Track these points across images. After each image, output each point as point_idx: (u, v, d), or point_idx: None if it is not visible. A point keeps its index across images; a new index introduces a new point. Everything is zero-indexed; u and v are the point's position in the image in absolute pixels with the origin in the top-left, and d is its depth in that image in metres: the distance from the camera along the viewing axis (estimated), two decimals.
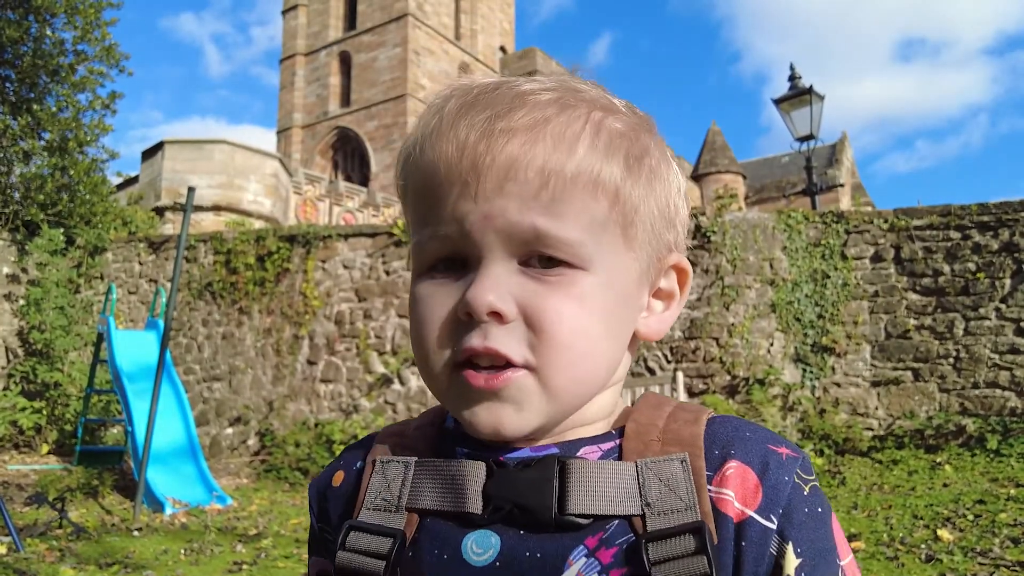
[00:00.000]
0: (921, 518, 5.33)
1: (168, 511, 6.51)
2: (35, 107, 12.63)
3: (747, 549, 0.59)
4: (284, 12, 40.15)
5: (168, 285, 10.78)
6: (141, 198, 15.97)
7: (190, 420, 7.84)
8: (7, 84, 13.19)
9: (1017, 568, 4.18)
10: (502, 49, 41.86)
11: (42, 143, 12.82)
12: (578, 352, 0.60)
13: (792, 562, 0.59)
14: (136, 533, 5.66)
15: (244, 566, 4.60)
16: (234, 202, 16.80)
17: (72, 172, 12.44)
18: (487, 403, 0.60)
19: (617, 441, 0.64)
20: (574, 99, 0.63)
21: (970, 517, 5.25)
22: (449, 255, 0.63)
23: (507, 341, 0.59)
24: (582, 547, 0.59)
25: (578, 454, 0.63)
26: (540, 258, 0.60)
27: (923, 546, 4.65)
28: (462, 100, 0.63)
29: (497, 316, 0.59)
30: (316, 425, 9.43)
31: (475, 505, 0.61)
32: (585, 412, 0.65)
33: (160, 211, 16.24)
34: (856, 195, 38.01)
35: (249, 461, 9.73)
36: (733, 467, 0.61)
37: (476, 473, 0.62)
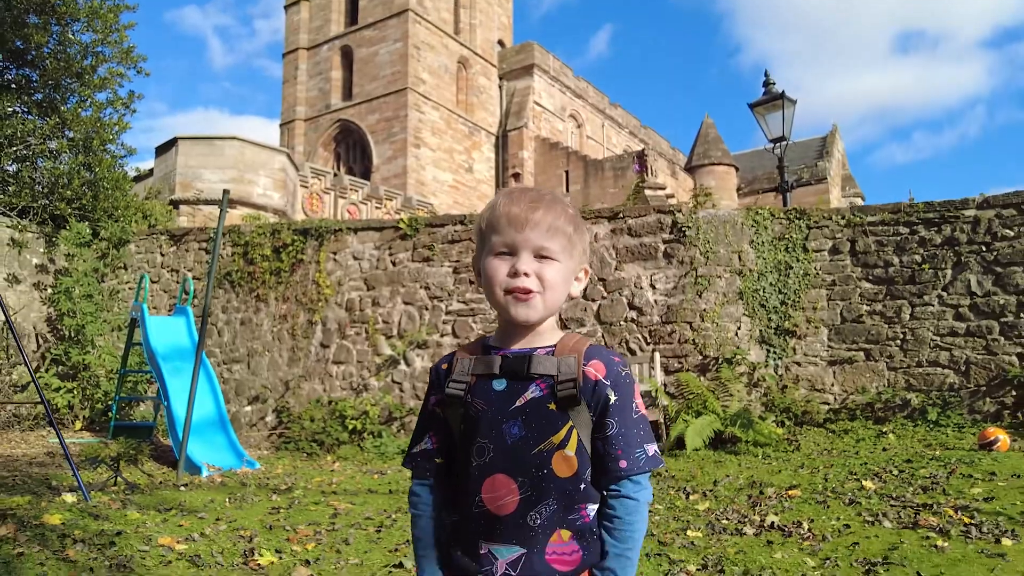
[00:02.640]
0: (855, 474, 6.24)
1: (205, 474, 7.42)
2: (62, 108, 13.49)
3: (596, 391, 1.46)
4: (287, 7, 40.86)
5: (190, 275, 11.67)
6: (159, 192, 16.83)
7: (219, 395, 8.75)
8: (33, 84, 14.04)
9: (921, 508, 5.08)
10: (500, 43, 42.59)
11: (67, 140, 13.67)
12: (555, 291, 1.45)
13: (612, 398, 1.48)
14: (183, 488, 6.56)
15: (281, 509, 5.51)
16: (245, 196, 17.66)
17: (97, 169, 13.31)
18: (523, 306, 1.44)
19: (553, 347, 1.48)
20: (559, 200, 1.52)
21: (895, 472, 6.16)
22: (504, 251, 1.46)
23: (531, 284, 1.44)
24: (534, 385, 1.43)
25: (537, 352, 1.48)
26: (542, 255, 1.46)
27: (849, 493, 5.56)
28: (518, 191, 1.51)
29: (526, 275, 1.44)
30: (330, 402, 10.34)
31: (496, 370, 1.45)
32: (545, 325, 1.50)
33: (175, 204, 17.12)
34: (846, 187, 38.89)
35: (268, 436, 10.65)
36: (594, 361, 1.48)
37: (497, 360, 1.46)
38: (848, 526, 4.80)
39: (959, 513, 4.86)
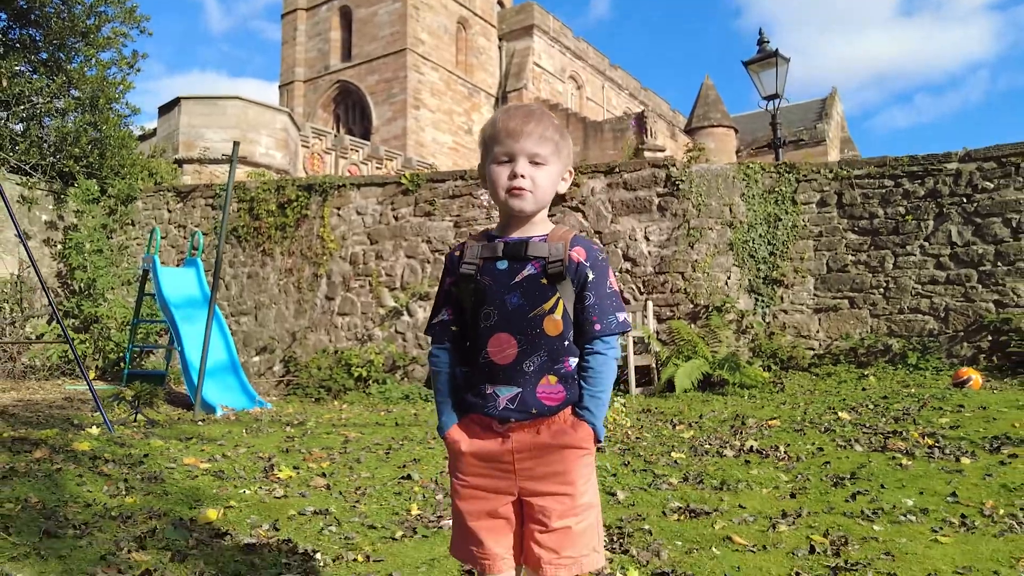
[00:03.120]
0: (833, 408, 6.63)
1: (219, 413, 7.82)
2: (67, 67, 13.70)
3: (579, 271, 1.81)
4: None
5: (197, 230, 11.99)
6: (164, 151, 17.08)
7: (230, 341, 9.13)
8: (37, 44, 14.22)
9: (891, 435, 5.47)
10: (500, 3, 42.40)
11: (73, 99, 13.90)
12: (545, 189, 1.81)
13: (591, 276, 1.83)
14: (200, 423, 6.96)
15: (295, 438, 5.90)
16: (248, 155, 17.91)
17: (103, 128, 13.56)
18: (519, 200, 1.79)
19: (545, 236, 1.84)
20: (547, 115, 1.88)
21: (871, 406, 6.55)
22: (504, 159, 1.80)
23: (525, 184, 1.78)
24: (530, 264, 1.79)
25: (533, 237, 1.83)
26: (535, 161, 1.80)
27: (825, 424, 5.95)
28: (514, 107, 1.87)
29: (522, 177, 1.79)
30: (335, 352, 10.73)
31: (499, 253, 1.80)
32: (538, 217, 1.85)
33: (179, 163, 17.39)
34: (845, 149, 39.02)
35: (276, 384, 11.06)
36: (578, 247, 1.83)
37: (500, 245, 1.82)
38: (822, 449, 5.19)
39: (926, 439, 5.25)
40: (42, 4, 13.79)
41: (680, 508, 3.83)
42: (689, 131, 37.37)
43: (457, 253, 1.87)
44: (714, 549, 3.24)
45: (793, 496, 4.16)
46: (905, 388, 7.59)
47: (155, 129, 19.05)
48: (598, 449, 2.07)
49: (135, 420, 7.21)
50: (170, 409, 8.73)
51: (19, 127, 13.92)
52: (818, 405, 6.87)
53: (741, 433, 5.81)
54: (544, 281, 1.74)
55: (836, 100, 39.42)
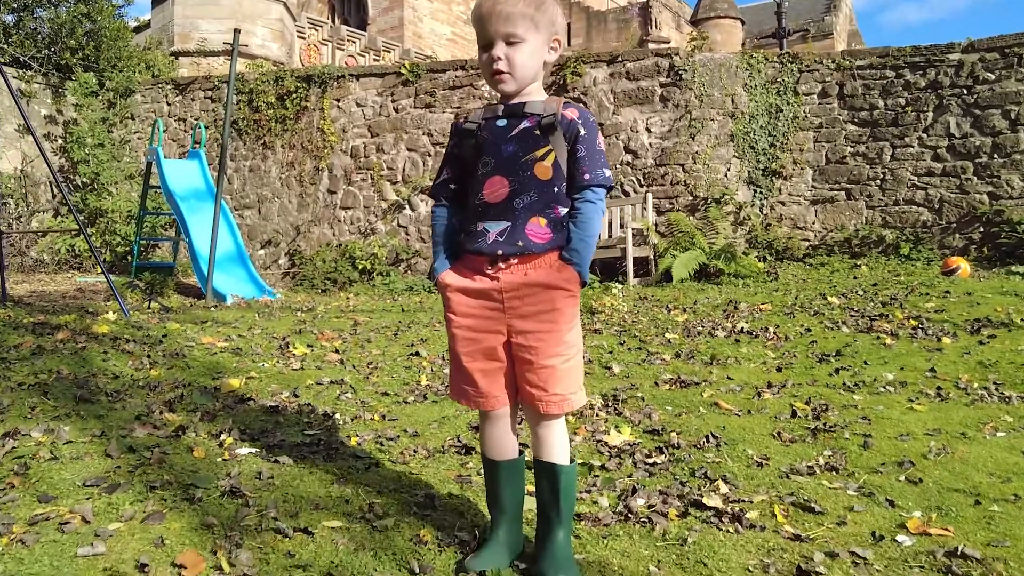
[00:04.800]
0: (824, 295, 6.86)
1: (230, 301, 8.06)
2: None
3: (571, 126, 1.96)
4: None
5: (198, 122, 11.97)
6: (159, 44, 16.79)
7: (236, 233, 9.31)
8: None
9: (877, 318, 5.71)
10: None
11: None
12: (526, 67, 1.93)
13: (582, 132, 1.96)
14: (212, 309, 7.21)
15: (307, 321, 6.15)
16: (244, 46, 17.60)
17: (99, 19, 13.33)
18: (501, 84, 1.93)
19: (542, 101, 1.98)
20: None
21: (860, 293, 6.78)
22: (485, 44, 1.95)
23: (503, 67, 1.92)
24: (526, 120, 1.94)
25: (530, 100, 1.97)
26: (510, 41, 1.92)
27: (815, 308, 6.19)
28: None
29: (499, 59, 1.93)
30: (339, 245, 10.92)
31: (500, 113, 1.96)
32: (531, 88, 1.98)
33: (175, 55, 17.13)
34: (852, 42, 38.11)
35: (282, 276, 11.30)
36: (571, 108, 1.97)
37: (501, 107, 1.96)
38: (809, 330, 5.43)
39: (910, 321, 5.49)
40: None
41: (671, 379, 4.09)
42: (695, 22, 36.43)
43: (461, 119, 2.03)
44: (702, 411, 3.50)
45: (779, 370, 4.42)
46: (895, 277, 7.81)
47: (149, 21, 18.65)
48: (586, 298, 2.26)
49: (149, 307, 7.45)
50: (182, 298, 8.99)
51: (10, 18, 13.69)
52: (810, 292, 7.09)
53: (733, 316, 6.06)
54: (538, 132, 1.88)
55: None
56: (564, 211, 1.92)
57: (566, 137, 1.91)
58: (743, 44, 36.02)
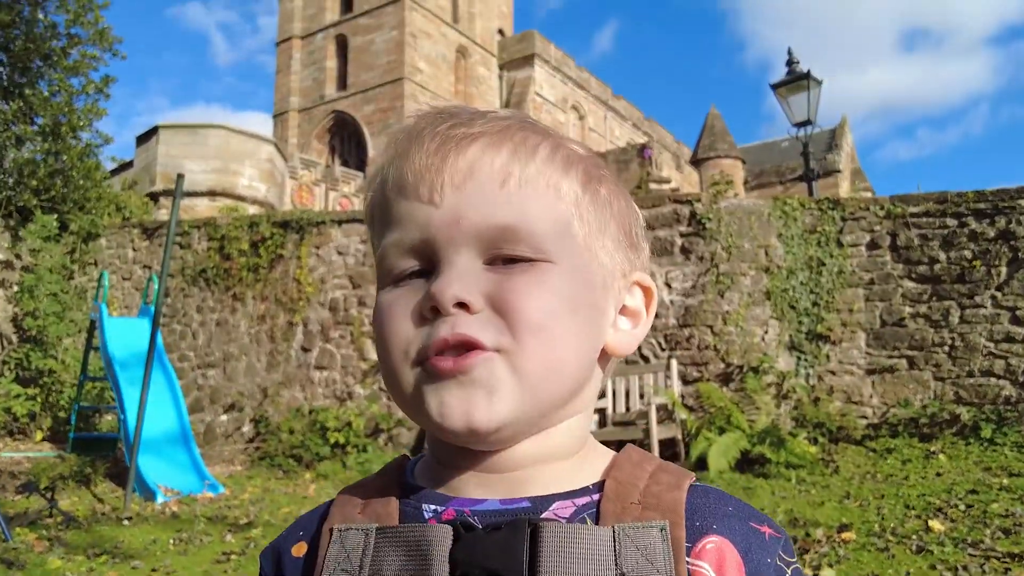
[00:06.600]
0: (913, 508, 5.32)
1: (160, 499, 6.49)
2: (27, 91, 12.54)
3: None
4: None
5: (154, 273, 10.73)
6: (135, 183, 15.91)
7: (182, 407, 7.81)
8: None
9: (1007, 559, 4.16)
10: (500, 32, 41.59)
11: (35, 128, 12.74)
12: (550, 334, 0.57)
13: None
14: (126, 522, 5.64)
15: (232, 556, 4.58)
16: (229, 187, 16.72)
17: (66, 157, 12.38)
18: (456, 389, 0.56)
19: (594, 497, 0.59)
20: (532, 123, 0.63)
21: (962, 507, 5.24)
22: (414, 267, 0.60)
23: (477, 328, 0.56)
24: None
25: (551, 509, 0.58)
26: (504, 260, 0.58)
27: (914, 537, 4.64)
28: (428, 118, 0.62)
29: (464, 307, 0.56)
30: (310, 412, 9.41)
31: (442, 572, 0.55)
32: (554, 436, 0.61)
33: (155, 196, 16.18)
34: (856, 180, 37.91)
35: (243, 448, 9.72)
36: (714, 542, 0.58)
37: (442, 538, 0.56)
38: None
39: None
40: (5, 26, 12.67)
41: None
42: (695, 163, 36.37)
43: (296, 550, 0.67)
44: None
45: None
46: (989, 474, 6.26)
47: (132, 161, 17.88)
48: None
49: (51, 514, 5.88)
50: (109, 488, 7.41)
51: None
52: (891, 501, 5.55)
53: (810, 551, 4.49)
54: None
55: (846, 130, 38.35)
56: None
57: None
58: (744, 183, 35.74)
